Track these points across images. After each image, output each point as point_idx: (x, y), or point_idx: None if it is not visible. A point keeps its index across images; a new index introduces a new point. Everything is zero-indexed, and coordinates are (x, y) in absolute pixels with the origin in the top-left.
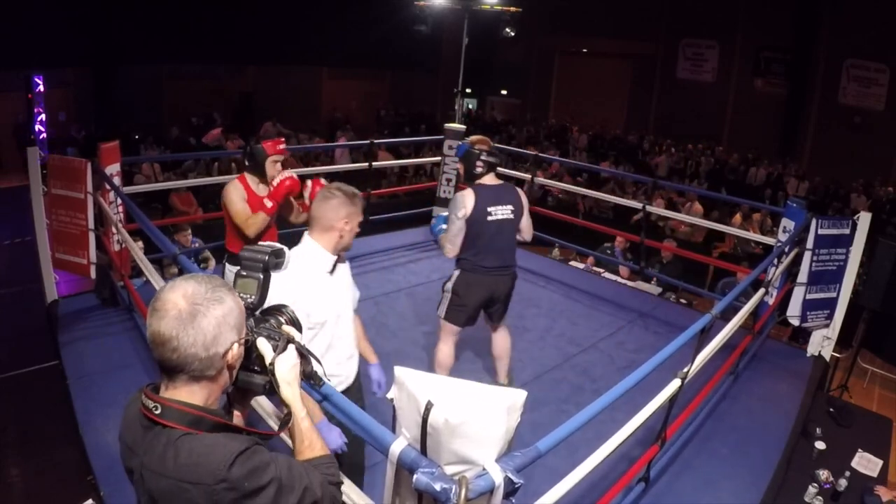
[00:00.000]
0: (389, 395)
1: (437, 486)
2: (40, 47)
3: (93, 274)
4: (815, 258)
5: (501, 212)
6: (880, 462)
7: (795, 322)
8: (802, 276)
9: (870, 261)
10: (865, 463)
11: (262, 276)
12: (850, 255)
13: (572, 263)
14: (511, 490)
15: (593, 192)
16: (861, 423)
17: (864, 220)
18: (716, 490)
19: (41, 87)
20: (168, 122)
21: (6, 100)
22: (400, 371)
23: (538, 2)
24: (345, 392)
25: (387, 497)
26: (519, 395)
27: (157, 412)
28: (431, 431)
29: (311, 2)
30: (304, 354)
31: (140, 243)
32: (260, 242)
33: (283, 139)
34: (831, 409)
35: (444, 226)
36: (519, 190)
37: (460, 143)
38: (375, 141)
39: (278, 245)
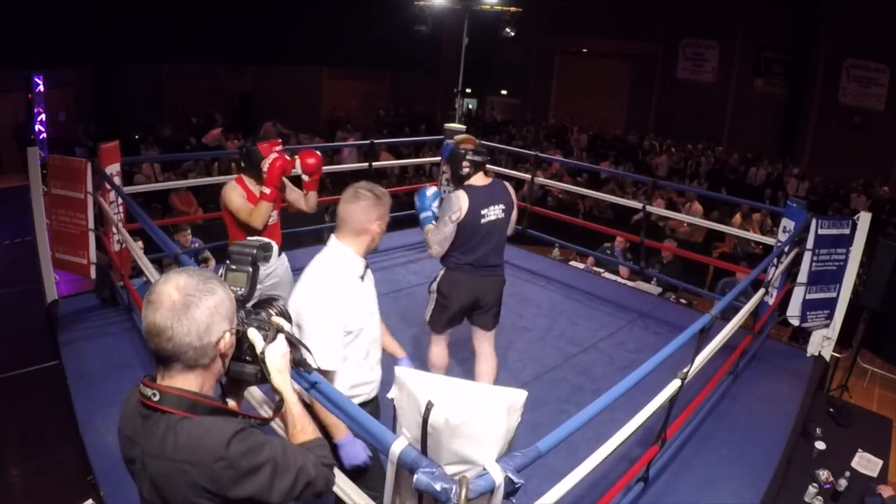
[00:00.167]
0: (390, 396)
1: (438, 486)
2: (40, 47)
3: (93, 274)
4: (815, 258)
5: (494, 212)
6: (880, 462)
7: (795, 322)
8: (802, 276)
9: (870, 261)
10: (865, 463)
11: (250, 270)
12: (850, 255)
13: (572, 263)
14: (511, 490)
15: (593, 192)
16: (861, 423)
17: (864, 220)
18: (716, 490)
19: (41, 87)
20: (168, 122)
21: (6, 100)
22: (400, 371)
23: (538, 2)
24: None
25: (387, 497)
26: (519, 395)
27: (156, 399)
28: (432, 431)
29: (311, 2)
30: (293, 343)
31: (140, 243)
32: (274, 256)
33: (279, 140)
34: (831, 409)
35: (429, 213)
36: (508, 185)
37: (445, 143)
38: (376, 141)
39: (266, 239)
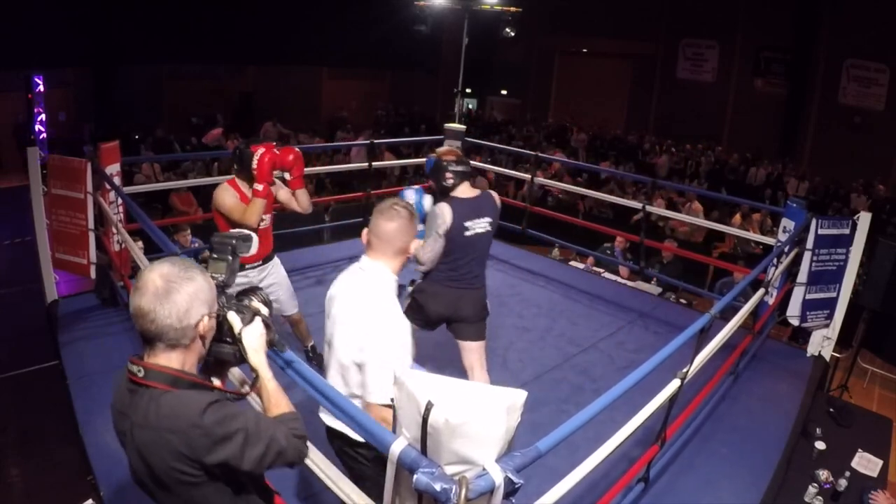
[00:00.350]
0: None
1: (437, 486)
2: (40, 47)
3: (93, 274)
4: (814, 258)
5: (479, 225)
6: (880, 462)
7: (795, 322)
8: (802, 276)
9: (870, 261)
10: (865, 463)
11: (230, 258)
12: (850, 255)
13: (572, 263)
14: (511, 490)
15: (593, 192)
16: (861, 423)
17: (864, 220)
18: (716, 490)
19: (41, 87)
20: (168, 122)
21: (6, 100)
22: (400, 371)
23: (538, 2)
24: None
25: (387, 497)
26: (519, 395)
27: (141, 375)
28: (431, 431)
29: (311, 2)
30: (269, 325)
31: (140, 243)
32: (254, 246)
33: (273, 144)
34: (831, 409)
35: (420, 228)
36: (494, 196)
37: (428, 157)
38: (375, 141)
39: (246, 232)
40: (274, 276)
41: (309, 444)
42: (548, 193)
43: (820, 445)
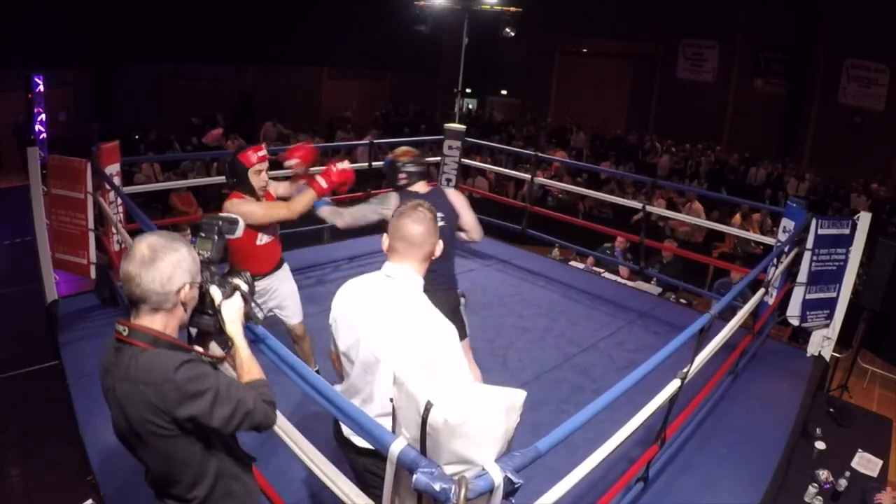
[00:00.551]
0: (389, 395)
1: (437, 486)
2: (40, 47)
3: (93, 274)
4: (814, 258)
5: None
6: (880, 462)
7: (795, 322)
8: (802, 276)
9: (870, 261)
10: (865, 463)
11: (216, 238)
12: (850, 255)
13: (572, 263)
14: (511, 490)
15: (593, 192)
16: (861, 423)
17: (864, 220)
18: (716, 490)
19: (41, 87)
20: (168, 122)
21: (6, 100)
22: (399, 371)
23: (538, 2)
24: None
25: (386, 497)
26: (519, 395)
27: (125, 333)
28: (431, 431)
29: (311, 2)
30: (247, 300)
31: None
32: (239, 229)
33: (261, 146)
34: (831, 409)
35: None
36: (451, 193)
37: (386, 157)
38: (375, 141)
39: (233, 215)
40: (282, 285)
41: (309, 444)
42: (548, 193)
43: (820, 445)
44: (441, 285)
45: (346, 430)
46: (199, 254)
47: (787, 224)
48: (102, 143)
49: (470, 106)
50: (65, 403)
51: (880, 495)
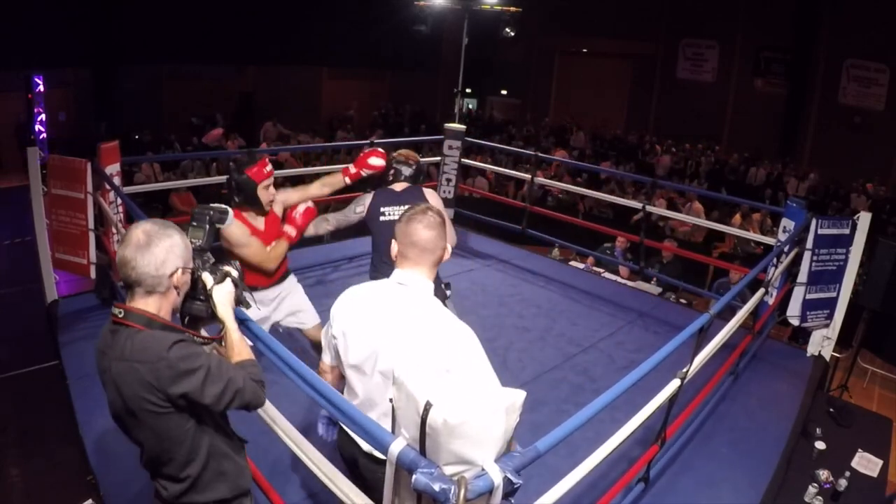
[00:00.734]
0: (389, 395)
1: (436, 487)
2: (40, 47)
3: (93, 274)
4: (814, 258)
5: (397, 212)
6: (880, 462)
7: (795, 322)
8: (802, 276)
9: (870, 261)
10: (865, 463)
11: (207, 227)
12: (850, 255)
13: (572, 263)
14: (510, 490)
15: (593, 192)
16: (861, 423)
17: (864, 220)
18: (716, 490)
19: (41, 87)
20: (168, 121)
21: (6, 100)
22: (399, 371)
23: (538, 2)
24: None
25: (386, 497)
26: (518, 396)
27: (121, 315)
28: (430, 432)
29: (311, 2)
30: (237, 285)
31: None
32: (229, 219)
33: (266, 159)
34: (831, 409)
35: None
36: (428, 193)
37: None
38: (375, 141)
39: (223, 206)
40: (291, 295)
41: (308, 444)
42: (548, 193)
43: (820, 445)
44: None
45: (366, 446)
46: (191, 241)
47: (787, 224)
48: (102, 143)
49: (470, 106)
50: (65, 403)
51: None
